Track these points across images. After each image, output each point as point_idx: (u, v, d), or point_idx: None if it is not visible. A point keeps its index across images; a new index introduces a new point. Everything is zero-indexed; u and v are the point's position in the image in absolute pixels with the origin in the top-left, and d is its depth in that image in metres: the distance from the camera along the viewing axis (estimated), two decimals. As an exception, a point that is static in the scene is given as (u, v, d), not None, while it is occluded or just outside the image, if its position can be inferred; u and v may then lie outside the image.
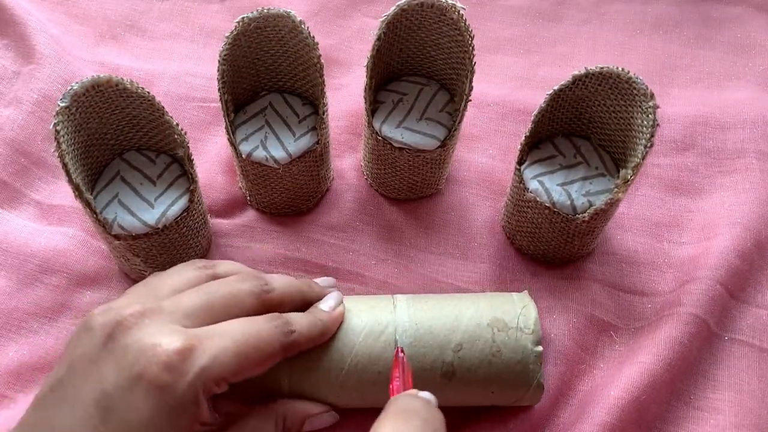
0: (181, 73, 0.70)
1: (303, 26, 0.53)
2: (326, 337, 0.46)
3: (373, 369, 0.46)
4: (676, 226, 0.62)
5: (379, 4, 0.77)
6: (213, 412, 0.40)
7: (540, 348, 0.47)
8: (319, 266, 0.59)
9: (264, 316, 0.43)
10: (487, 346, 0.47)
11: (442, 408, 0.48)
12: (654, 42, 0.74)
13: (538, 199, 0.54)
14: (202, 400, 0.38)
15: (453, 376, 0.47)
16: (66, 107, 0.48)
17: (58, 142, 0.47)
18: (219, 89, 0.54)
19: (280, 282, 0.47)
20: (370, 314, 0.49)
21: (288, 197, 0.60)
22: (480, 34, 0.59)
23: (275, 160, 0.56)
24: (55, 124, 0.47)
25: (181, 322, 0.40)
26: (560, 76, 0.70)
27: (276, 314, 0.43)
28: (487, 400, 0.48)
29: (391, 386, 0.43)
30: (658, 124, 0.49)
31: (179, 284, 0.45)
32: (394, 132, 0.57)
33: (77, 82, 0.49)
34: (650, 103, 0.50)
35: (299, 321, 0.44)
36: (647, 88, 0.50)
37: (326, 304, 0.48)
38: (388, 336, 0.47)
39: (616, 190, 0.51)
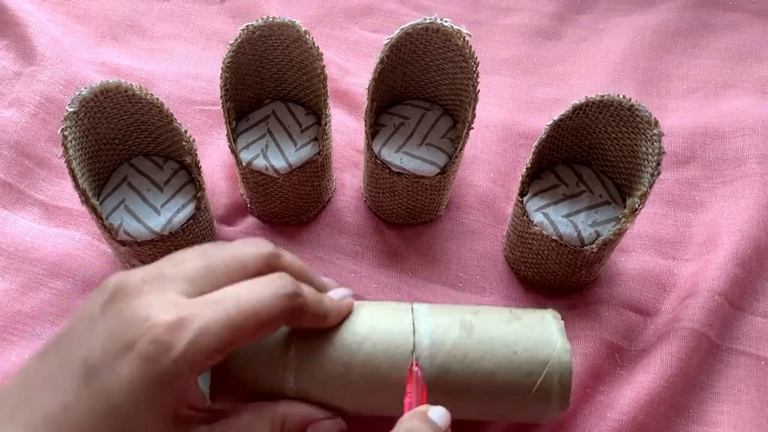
0: (181, 75, 0.71)
1: (307, 36, 0.53)
2: (330, 322, 0.44)
3: (387, 352, 0.44)
4: (680, 242, 0.62)
5: (376, 17, 0.78)
6: (203, 396, 0.40)
7: (563, 322, 0.46)
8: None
9: (267, 276, 0.40)
10: (505, 314, 0.46)
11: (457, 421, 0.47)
12: (652, 53, 0.74)
13: (544, 232, 0.54)
14: (189, 378, 0.37)
15: (472, 328, 0.45)
16: (74, 112, 0.48)
17: (65, 147, 0.47)
18: (221, 96, 0.54)
19: (291, 255, 0.44)
20: (385, 305, 0.48)
21: (288, 207, 0.60)
22: (478, 54, 0.59)
23: (275, 170, 0.56)
24: (62, 129, 0.47)
25: (181, 287, 0.39)
26: (559, 96, 0.71)
27: (281, 273, 0.40)
28: (510, 371, 0.44)
29: (405, 401, 0.42)
30: (664, 152, 0.49)
31: (188, 253, 0.43)
32: (393, 156, 0.56)
33: (86, 88, 0.49)
34: (655, 131, 0.49)
35: (306, 288, 0.41)
36: (651, 116, 0.50)
37: (335, 294, 0.46)
38: (405, 324, 0.45)
39: (624, 220, 0.51)
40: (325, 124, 0.55)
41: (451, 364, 0.44)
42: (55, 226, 0.61)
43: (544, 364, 0.44)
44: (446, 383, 0.44)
